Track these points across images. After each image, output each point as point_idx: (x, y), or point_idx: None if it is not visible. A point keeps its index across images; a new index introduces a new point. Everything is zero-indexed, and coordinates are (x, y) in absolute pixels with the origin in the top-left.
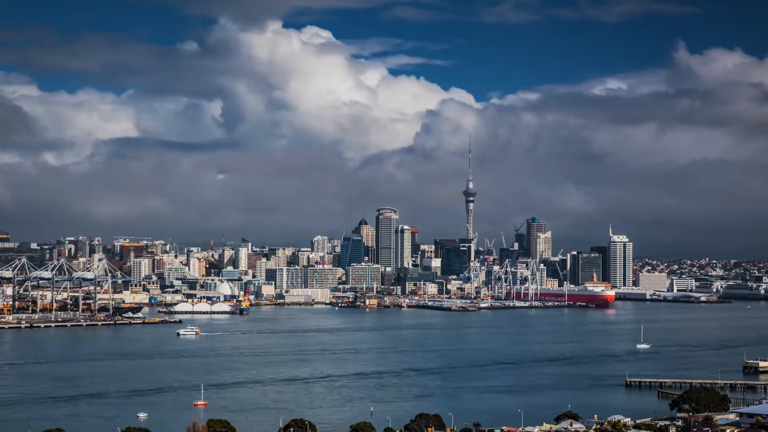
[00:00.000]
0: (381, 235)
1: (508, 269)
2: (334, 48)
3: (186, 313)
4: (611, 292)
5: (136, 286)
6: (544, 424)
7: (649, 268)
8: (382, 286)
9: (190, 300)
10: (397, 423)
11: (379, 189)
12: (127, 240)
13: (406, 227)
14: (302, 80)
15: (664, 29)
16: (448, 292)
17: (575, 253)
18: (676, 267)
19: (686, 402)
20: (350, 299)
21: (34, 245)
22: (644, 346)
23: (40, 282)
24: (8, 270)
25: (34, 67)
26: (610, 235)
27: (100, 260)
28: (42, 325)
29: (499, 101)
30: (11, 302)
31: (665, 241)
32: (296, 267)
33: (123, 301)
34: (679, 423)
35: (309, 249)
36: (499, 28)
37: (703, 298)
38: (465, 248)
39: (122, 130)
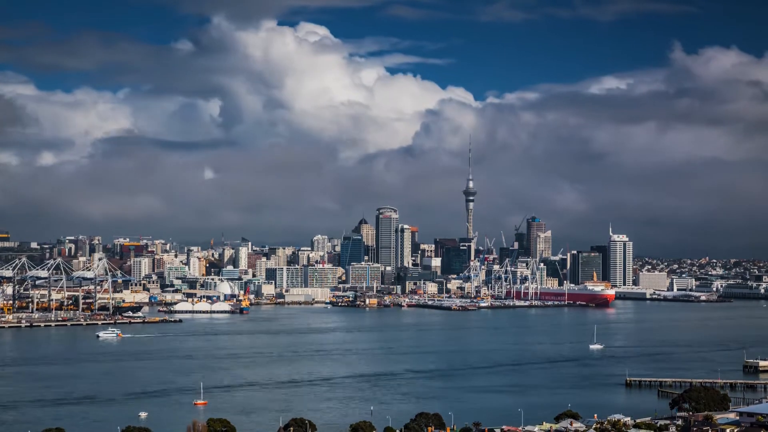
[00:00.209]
0: (381, 235)
1: (508, 268)
2: (332, 47)
3: (186, 312)
4: (611, 292)
5: (136, 285)
6: (544, 423)
7: (649, 267)
8: (382, 286)
9: (190, 299)
10: (397, 422)
11: (379, 188)
12: (128, 239)
13: (406, 226)
14: (300, 79)
15: (659, 28)
16: (448, 291)
17: (575, 252)
18: (676, 266)
19: (686, 401)
20: (350, 298)
21: (34, 244)
22: (597, 347)
23: (37, 281)
24: (8, 269)
25: (31, 66)
26: (610, 234)
27: (100, 259)
28: (42, 324)
29: (497, 100)
30: (11, 301)
31: (665, 240)
32: (296, 266)
33: (123, 301)
34: (679, 422)
35: (309, 248)
36: (495, 27)
37: (703, 298)
38: (465, 247)
39: (119, 129)
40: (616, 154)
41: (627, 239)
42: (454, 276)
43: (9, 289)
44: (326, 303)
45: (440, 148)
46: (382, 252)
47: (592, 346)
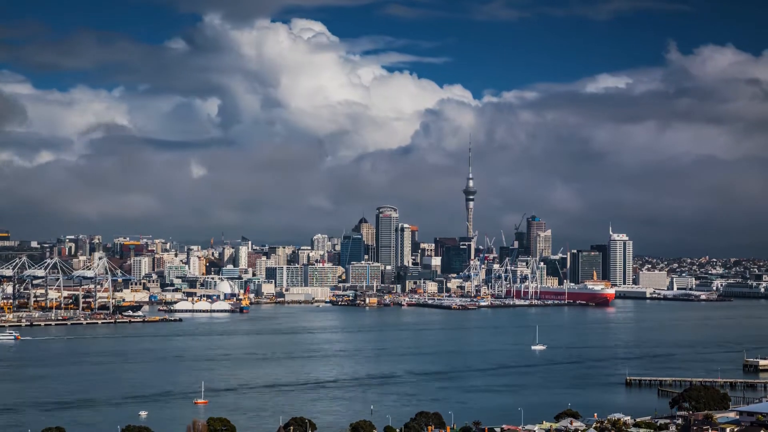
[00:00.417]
0: (381, 234)
1: (508, 267)
2: (329, 45)
3: (186, 311)
4: (611, 291)
5: (136, 284)
6: (544, 422)
7: (649, 266)
8: (382, 285)
9: (190, 298)
10: (397, 421)
11: (379, 188)
12: (128, 238)
13: (406, 226)
14: (298, 78)
15: (655, 27)
16: (448, 290)
17: (575, 251)
18: (676, 265)
19: (686, 400)
20: (350, 297)
21: (34, 243)
22: (540, 347)
23: (34, 281)
24: (8, 268)
25: (28, 65)
26: (610, 233)
27: (100, 258)
28: (42, 323)
29: (495, 99)
30: (11, 300)
31: (665, 239)
32: (296, 265)
33: (123, 300)
34: (679, 421)
35: (309, 247)
36: (490, 26)
37: (703, 297)
38: (465, 246)
39: (116, 128)
40: (615, 154)
41: (627, 238)
42: (454, 275)
43: (9, 288)
44: (328, 303)
45: (440, 147)
46: (382, 251)
47: (534, 347)
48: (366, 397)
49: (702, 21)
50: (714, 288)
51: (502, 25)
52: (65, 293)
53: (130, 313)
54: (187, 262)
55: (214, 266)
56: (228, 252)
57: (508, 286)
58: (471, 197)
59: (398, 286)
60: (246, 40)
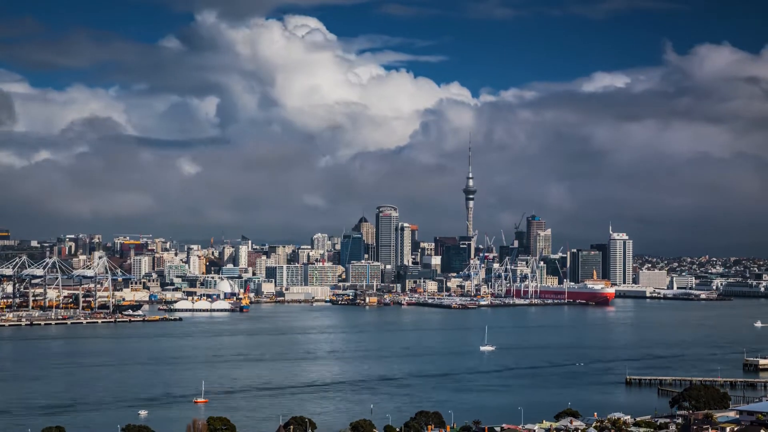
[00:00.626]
0: (381, 233)
1: (508, 267)
2: (326, 44)
3: (186, 310)
4: (611, 290)
5: (136, 283)
6: (544, 421)
7: (649, 265)
8: (382, 284)
9: (190, 298)
10: (396, 421)
11: (379, 187)
12: (128, 237)
13: (406, 225)
14: (295, 77)
15: (651, 26)
16: (448, 289)
17: (575, 250)
18: (676, 265)
19: (686, 400)
20: (350, 297)
21: (34, 243)
22: (488, 348)
23: (33, 280)
24: (8, 268)
25: (24, 64)
26: (610, 232)
27: (100, 258)
28: (42, 322)
29: (492, 98)
30: (11, 299)
31: (665, 238)
32: (296, 265)
33: (123, 299)
34: (680, 421)
35: (309, 246)
36: (486, 25)
37: (703, 296)
38: (465, 246)
39: (113, 127)
40: (615, 153)
41: (627, 238)
42: (454, 274)
43: (9, 288)
44: (328, 302)
45: (439, 147)
46: (382, 250)
47: (482, 348)
48: (366, 396)
49: (698, 20)
50: (714, 287)
51: (497, 24)
52: (65, 292)
53: (130, 312)
54: (187, 262)
55: (214, 265)
56: (228, 251)
57: (508, 285)
58: (471, 196)
59: (398, 285)
60: (242, 38)
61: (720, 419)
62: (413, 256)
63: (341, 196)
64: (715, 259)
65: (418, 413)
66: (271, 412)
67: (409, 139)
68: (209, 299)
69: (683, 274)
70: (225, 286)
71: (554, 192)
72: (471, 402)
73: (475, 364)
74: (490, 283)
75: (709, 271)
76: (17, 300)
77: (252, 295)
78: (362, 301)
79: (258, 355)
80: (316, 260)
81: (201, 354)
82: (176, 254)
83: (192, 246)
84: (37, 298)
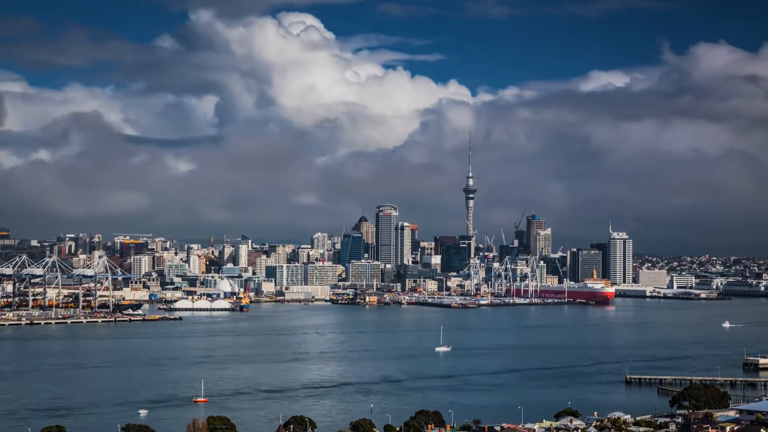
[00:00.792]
0: (381, 232)
1: (508, 266)
2: (323, 43)
3: (186, 310)
4: (611, 289)
5: (136, 283)
6: (544, 420)
7: (649, 265)
8: (382, 283)
9: (190, 297)
10: (397, 420)
11: (378, 186)
12: (128, 237)
13: (406, 224)
14: (293, 76)
15: (647, 25)
16: (447, 289)
17: (575, 250)
18: (676, 264)
19: (686, 399)
20: (350, 296)
21: (34, 242)
22: (444, 349)
23: (32, 279)
24: (8, 267)
25: (22, 63)
26: (610, 232)
27: (100, 257)
28: (42, 322)
29: (491, 97)
30: (11, 299)
31: (665, 238)
32: (296, 264)
33: (123, 298)
34: (679, 420)
35: (309, 246)
36: (482, 23)
37: (703, 295)
38: (465, 245)
39: (109, 126)
40: (614, 152)
41: (627, 237)
42: (454, 274)
43: (9, 287)
44: (328, 301)
45: (439, 145)
46: (382, 249)
47: (438, 349)
48: (366, 395)
49: (694, 19)
50: (714, 286)
51: (494, 23)
52: (65, 292)
53: (130, 311)
54: (187, 261)
55: (214, 265)
56: (228, 250)
57: (508, 284)
58: (471, 196)
59: (398, 284)
60: (238, 37)
61: (720, 418)
62: (413, 256)
63: (340, 195)
64: (715, 258)
65: (418, 412)
66: (271, 411)
67: (408, 138)
68: (209, 299)
69: (683, 273)
70: (225, 286)
71: (554, 191)
72: (471, 401)
73: (423, 368)
74: (490, 283)
75: (709, 271)
76: (17, 299)
77: (252, 294)
78: (362, 301)
79: (257, 354)
80: (316, 259)
81: (201, 353)
82: (176, 253)
83: (192, 245)
84: (36, 297)
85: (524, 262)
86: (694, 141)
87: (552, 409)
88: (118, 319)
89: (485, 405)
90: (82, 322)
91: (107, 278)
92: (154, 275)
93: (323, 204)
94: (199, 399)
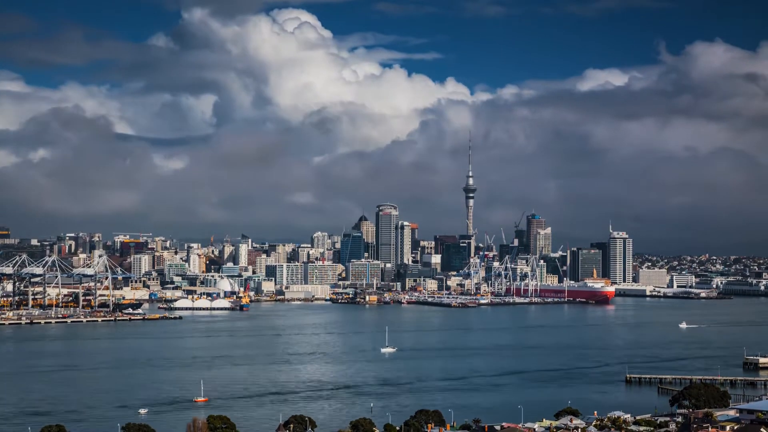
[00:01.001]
0: (381, 232)
1: (508, 265)
2: (320, 42)
3: (186, 309)
4: (611, 289)
5: (136, 282)
6: (544, 420)
7: (649, 264)
8: (382, 282)
9: (190, 296)
10: (397, 419)
11: (378, 185)
12: (128, 236)
13: (406, 223)
14: (290, 74)
15: (644, 24)
16: (447, 288)
17: (575, 249)
18: (676, 263)
19: (686, 398)
20: (350, 295)
21: (34, 241)
22: (389, 350)
23: (32, 279)
24: (8, 266)
25: (19, 62)
26: (610, 231)
27: (100, 256)
28: (42, 321)
29: (489, 96)
30: (11, 298)
31: (665, 237)
32: (296, 263)
33: (123, 298)
34: (679, 419)
35: (309, 245)
36: (479, 22)
37: (703, 294)
38: (465, 244)
39: (106, 125)
40: (614, 151)
41: (627, 236)
42: (454, 273)
43: (9, 286)
44: (328, 300)
45: (439, 145)
46: (382, 249)
47: (383, 350)
48: (366, 394)
49: (690, 18)
50: (714, 286)
51: (490, 22)
52: (65, 291)
53: (130, 311)
54: (187, 260)
55: (214, 264)
56: (228, 250)
57: (508, 283)
58: (471, 195)
59: (398, 283)
60: (234, 36)
61: (720, 418)
62: (413, 255)
63: (338, 194)
64: (715, 257)
65: (418, 412)
66: (271, 410)
67: (407, 137)
68: (209, 298)
69: (683, 272)
70: (225, 285)
71: (554, 190)
72: (471, 400)
73: (355, 371)
74: (490, 282)
75: (709, 270)
76: (17, 298)
77: (252, 293)
78: (362, 300)
79: (258, 354)
80: (316, 259)
81: (201, 353)
82: (176, 253)
83: (192, 244)
84: (36, 296)
85: (524, 261)
86: (693, 140)
87: (552, 409)
88: (118, 318)
89: (485, 404)
90: (82, 321)
91: (107, 277)
92: (154, 274)
93: (321, 203)
94: (199, 398)
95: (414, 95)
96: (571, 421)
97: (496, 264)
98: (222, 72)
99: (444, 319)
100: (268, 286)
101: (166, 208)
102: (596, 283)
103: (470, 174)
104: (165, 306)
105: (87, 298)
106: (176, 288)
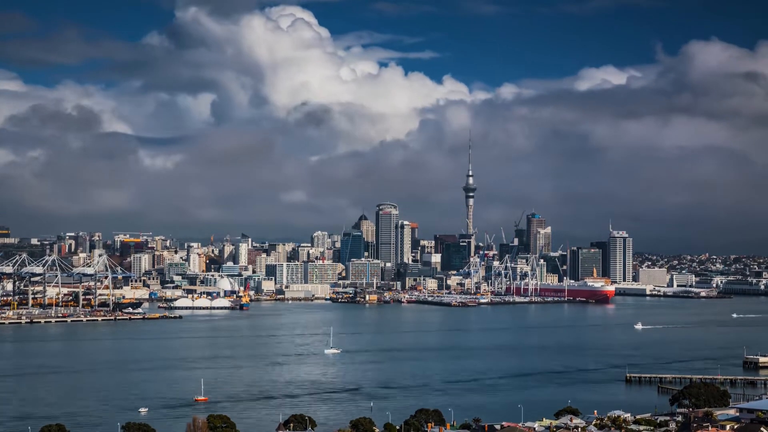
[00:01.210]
0: (381, 231)
1: (508, 265)
2: (318, 41)
3: (186, 308)
4: (611, 288)
5: (136, 281)
6: (543, 419)
7: (649, 263)
8: (382, 282)
9: (190, 295)
10: (397, 418)
11: (379, 184)
12: (128, 235)
13: (406, 223)
14: (287, 73)
15: (641, 23)
16: (447, 287)
17: (575, 248)
18: (675, 262)
19: (686, 397)
20: (350, 294)
21: (34, 241)
22: (333, 351)
23: (32, 278)
24: (8, 265)
25: (16, 61)
26: (610, 230)
27: (100, 256)
28: (42, 320)
29: (487, 95)
30: (11, 297)
31: (665, 236)
32: (296, 262)
33: (123, 297)
34: (679, 418)
35: (309, 244)
36: (475, 21)
37: (703, 294)
38: (465, 244)
39: (102, 124)
40: (613, 150)
41: (627, 235)
42: (454, 272)
43: (9, 286)
44: (328, 300)
45: (438, 144)
46: (382, 248)
47: (327, 351)
48: (366, 394)
49: (687, 17)
50: (714, 285)
51: (486, 21)
52: (65, 290)
53: (130, 310)
54: (187, 259)
55: (214, 263)
56: (228, 249)
57: (508, 283)
58: (471, 194)
59: (398, 283)
60: (231, 35)
61: (720, 417)
62: (413, 254)
63: (337, 194)
64: (715, 256)
65: (418, 411)
66: (271, 409)
67: (407, 137)
68: (209, 297)
69: (683, 271)
70: (225, 284)
71: (554, 190)
72: (471, 399)
73: (293, 376)
74: (490, 281)
75: (709, 269)
76: (17, 298)
77: (252, 293)
78: (362, 299)
79: (258, 353)
80: (316, 258)
81: (201, 352)
82: (176, 252)
83: (192, 244)
84: (36, 295)
85: (524, 260)
86: (693, 139)
87: (552, 408)
88: (118, 317)
89: (485, 403)
90: (82, 320)
91: (107, 277)
92: (154, 274)
93: (319, 202)
94: (199, 398)
95: (412, 94)
96: (571, 420)
97: (496, 263)
98: (220, 71)
99: (443, 318)
100: (268, 286)
101: (161, 207)
102: (596, 283)
103: (470, 173)
104: (165, 305)
105: (87, 297)
106: (176, 287)
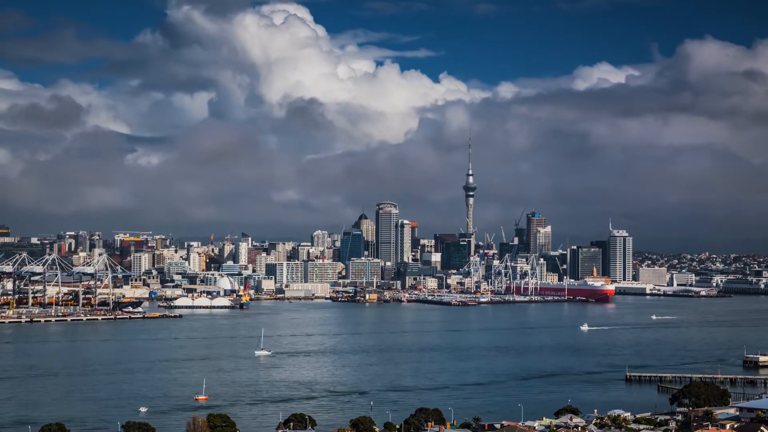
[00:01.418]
0: (381, 230)
1: (508, 264)
2: (314, 40)
3: (186, 307)
4: (611, 287)
5: (136, 280)
6: (544, 418)
7: (649, 262)
8: (382, 281)
9: (190, 294)
10: (397, 418)
11: (379, 184)
12: (128, 234)
13: (406, 222)
14: (285, 72)
15: (637, 22)
16: (447, 286)
17: (575, 247)
18: (675, 261)
19: (686, 396)
20: (350, 294)
21: (34, 240)
22: (263, 352)
23: (32, 277)
24: (8, 264)
25: (13, 60)
26: (610, 229)
27: (100, 255)
28: (42, 319)
29: (484, 93)
30: (11, 297)
31: (665, 235)
32: (296, 261)
33: (123, 296)
34: (679, 417)
35: (309, 244)
36: (470, 20)
37: (703, 293)
38: (465, 243)
39: (98, 123)
40: (613, 149)
41: (627, 234)
42: (454, 271)
43: (9, 285)
44: (328, 299)
45: (437, 143)
46: (382, 247)
47: (257, 352)
48: (366, 393)
49: (680, 15)
50: (714, 284)
51: (481, 19)
52: (65, 289)
53: (130, 309)
54: (187, 259)
55: (214, 262)
56: (228, 248)
57: (508, 282)
58: (471, 193)
59: (398, 282)
60: (225, 33)
61: (720, 416)
62: (413, 253)
63: (337, 193)
64: (715, 255)
65: (418, 410)
66: (271, 409)
67: (406, 136)
68: (209, 296)
69: (683, 271)
70: (225, 283)
71: (554, 189)
72: (471, 399)
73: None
74: (490, 280)
75: (709, 268)
76: (17, 297)
77: (252, 292)
78: (362, 298)
79: (257, 353)
80: (316, 257)
81: (201, 352)
82: (176, 251)
83: (192, 243)
84: (36, 295)
85: (524, 259)
86: (693, 138)
87: (552, 407)
88: (118, 316)
89: (485, 403)
90: (82, 319)
91: (107, 276)
92: (154, 273)
93: (318, 201)
94: (199, 397)
95: (410, 92)
96: (571, 419)
97: (496, 262)
98: (215, 69)
99: (443, 317)
100: (268, 285)
101: (156, 206)
102: (596, 282)
103: (470, 172)
104: (165, 304)
105: (87, 296)
106: (176, 286)
